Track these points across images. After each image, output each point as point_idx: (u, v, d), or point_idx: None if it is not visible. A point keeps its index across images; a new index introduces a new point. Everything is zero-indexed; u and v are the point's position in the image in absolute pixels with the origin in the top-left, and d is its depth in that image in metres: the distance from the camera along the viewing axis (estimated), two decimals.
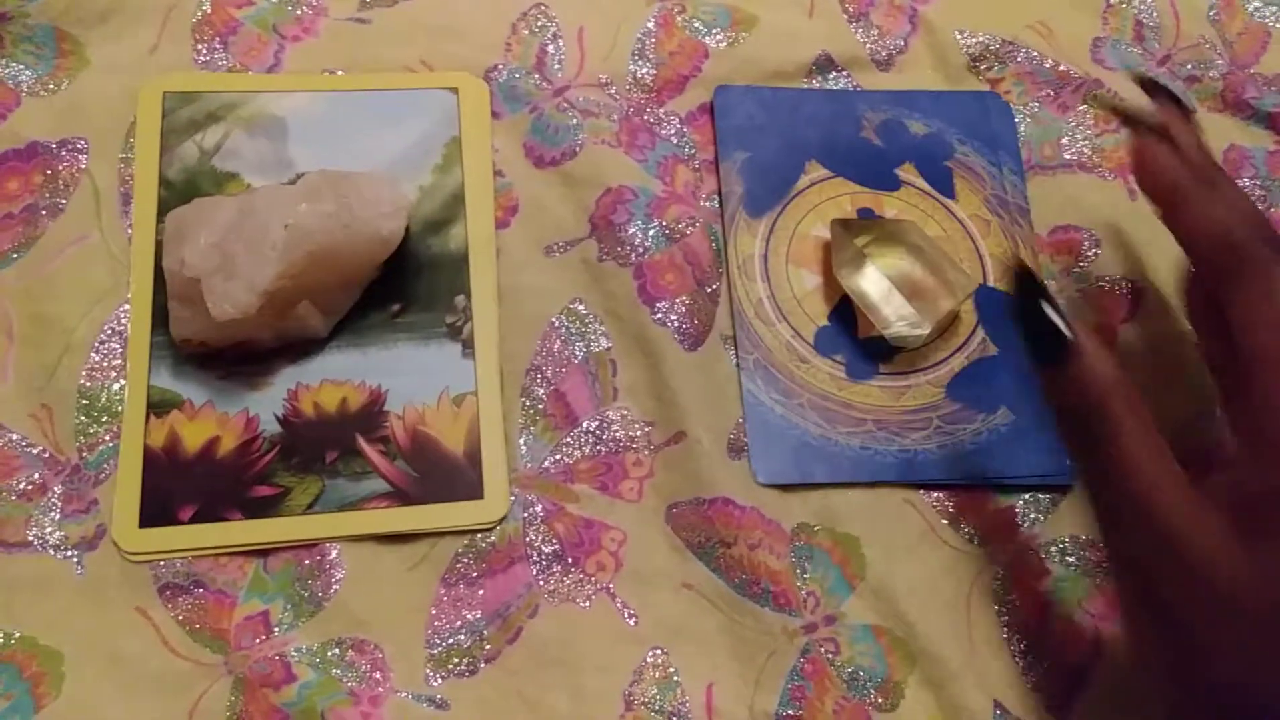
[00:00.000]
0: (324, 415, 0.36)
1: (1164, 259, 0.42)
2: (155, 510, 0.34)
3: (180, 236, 0.35)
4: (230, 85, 0.40)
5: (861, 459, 0.38)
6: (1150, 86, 0.37)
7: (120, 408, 0.35)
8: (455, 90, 0.41)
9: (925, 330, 0.38)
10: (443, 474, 0.36)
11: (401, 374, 0.37)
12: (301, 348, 0.37)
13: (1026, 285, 0.31)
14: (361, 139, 0.40)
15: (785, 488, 0.37)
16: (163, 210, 0.37)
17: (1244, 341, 0.30)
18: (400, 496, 0.35)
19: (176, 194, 0.38)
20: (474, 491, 0.36)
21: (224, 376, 0.36)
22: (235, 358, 0.36)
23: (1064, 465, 0.39)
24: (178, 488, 0.35)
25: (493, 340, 0.38)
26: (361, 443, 0.36)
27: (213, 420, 0.36)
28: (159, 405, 0.36)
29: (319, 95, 0.40)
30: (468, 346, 0.38)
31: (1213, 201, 0.32)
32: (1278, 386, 0.29)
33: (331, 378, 0.37)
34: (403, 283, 0.38)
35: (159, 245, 0.37)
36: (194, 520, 0.34)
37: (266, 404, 0.36)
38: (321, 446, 0.36)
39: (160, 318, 0.36)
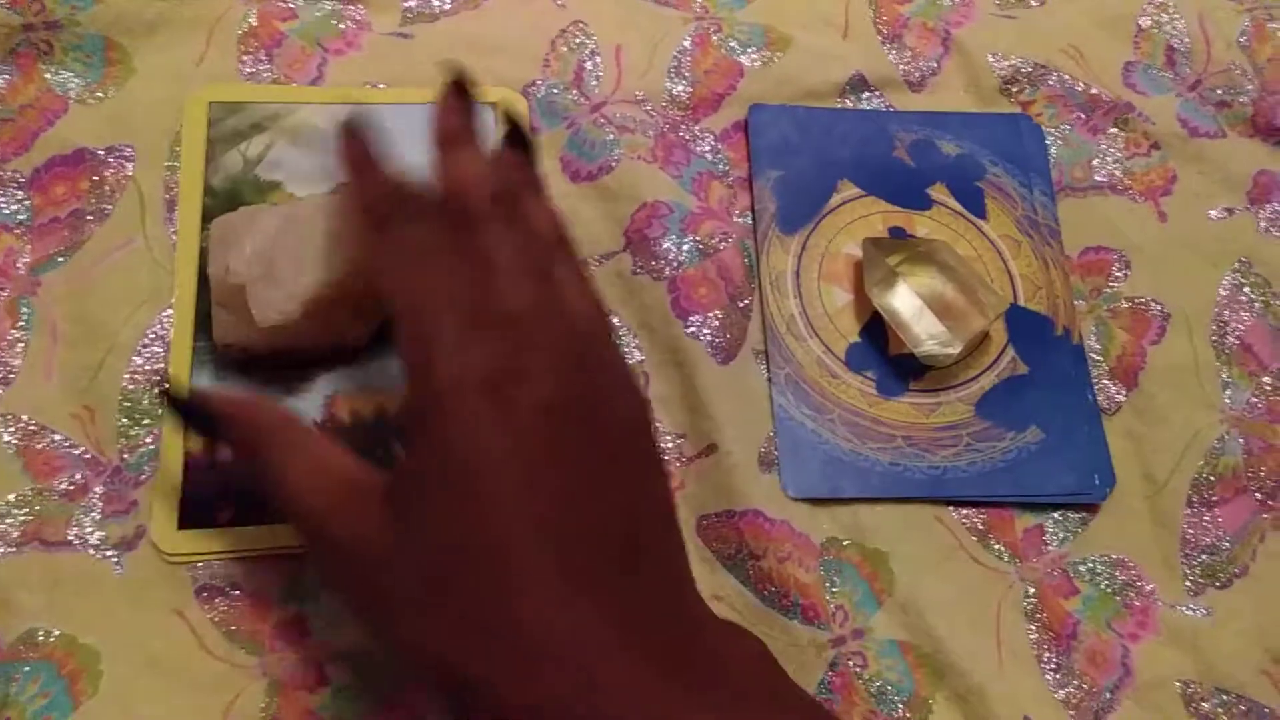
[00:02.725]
0: (361, 422, 0.37)
1: (1194, 281, 0.42)
2: (194, 513, 0.35)
3: (225, 243, 0.35)
4: (274, 97, 0.40)
5: (891, 475, 0.38)
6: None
7: (161, 411, 0.36)
8: (495, 105, 0.41)
9: (956, 349, 0.38)
10: None
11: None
12: (340, 355, 0.37)
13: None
14: (400, 150, 0.40)
15: (815, 502, 0.38)
16: (207, 217, 0.38)
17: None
18: None
19: (220, 201, 0.39)
20: None
21: (264, 382, 0.37)
22: (276, 364, 0.37)
23: (1093, 484, 0.39)
24: (216, 491, 0.35)
25: None
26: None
27: None
28: None
29: (359, 108, 0.41)
30: None
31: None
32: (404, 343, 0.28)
33: (370, 384, 0.37)
34: None
35: (203, 252, 0.38)
36: (232, 523, 0.35)
37: (305, 409, 0.37)
38: (357, 452, 0.36)
39: (203, 323, 0.37)
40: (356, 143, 0.31)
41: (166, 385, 0.33)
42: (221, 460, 0.35)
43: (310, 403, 0.37)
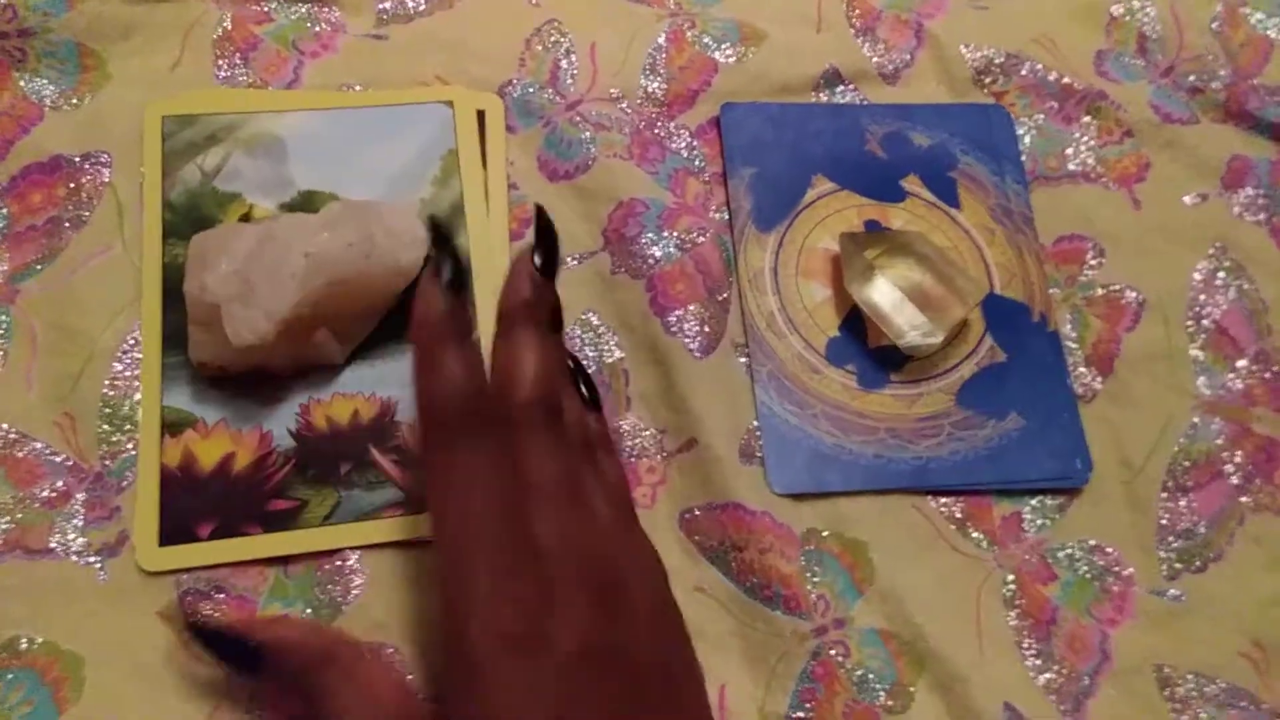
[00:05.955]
0: (336, 428, 0.37)
1: (1169, 268, 0.43)
2: (175, 529, 0.35)
3: (202, 261, 0.35)
4: (227, 106, 0.40)
5: (875, 467, 0.38)
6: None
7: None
8: (450, 103, 0.41)
9: (939, 339, 0.39)
10: None
11: (411, 384, 0.37)
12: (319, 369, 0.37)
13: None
14: (360, 155, 0.40)
15: (796, 494, 0.38)
16: (168, 232, 0.38)
17: None
18: (416, 504, 0.36)
19: (180, 216, 0.38)
20: None
21: (236, 395, 0.36)
22: (250, 380, 0.37)
23: (1075, 468, 0.39)
24: (195, 505, 0.35)
25: None
26: (374, 453, 0.36)
27: (226, 437, 0.36)
28: (173, 425, 0.36)
29: (316, 114, 0.40)
30: None
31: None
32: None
33: (342, 391, 0.37)
34: (408, 293, 0.38)
35: (165, 268, 0.38)
36: (214, 536, 0.35)
37: (279, 419, 0.36)
38: (335, 458, 0.36)
39: (174, 339, 0.37)
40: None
41: (197, 620, 0.33)
42: (197, 475, 0.35)
43: (284, 412, 0.36)
